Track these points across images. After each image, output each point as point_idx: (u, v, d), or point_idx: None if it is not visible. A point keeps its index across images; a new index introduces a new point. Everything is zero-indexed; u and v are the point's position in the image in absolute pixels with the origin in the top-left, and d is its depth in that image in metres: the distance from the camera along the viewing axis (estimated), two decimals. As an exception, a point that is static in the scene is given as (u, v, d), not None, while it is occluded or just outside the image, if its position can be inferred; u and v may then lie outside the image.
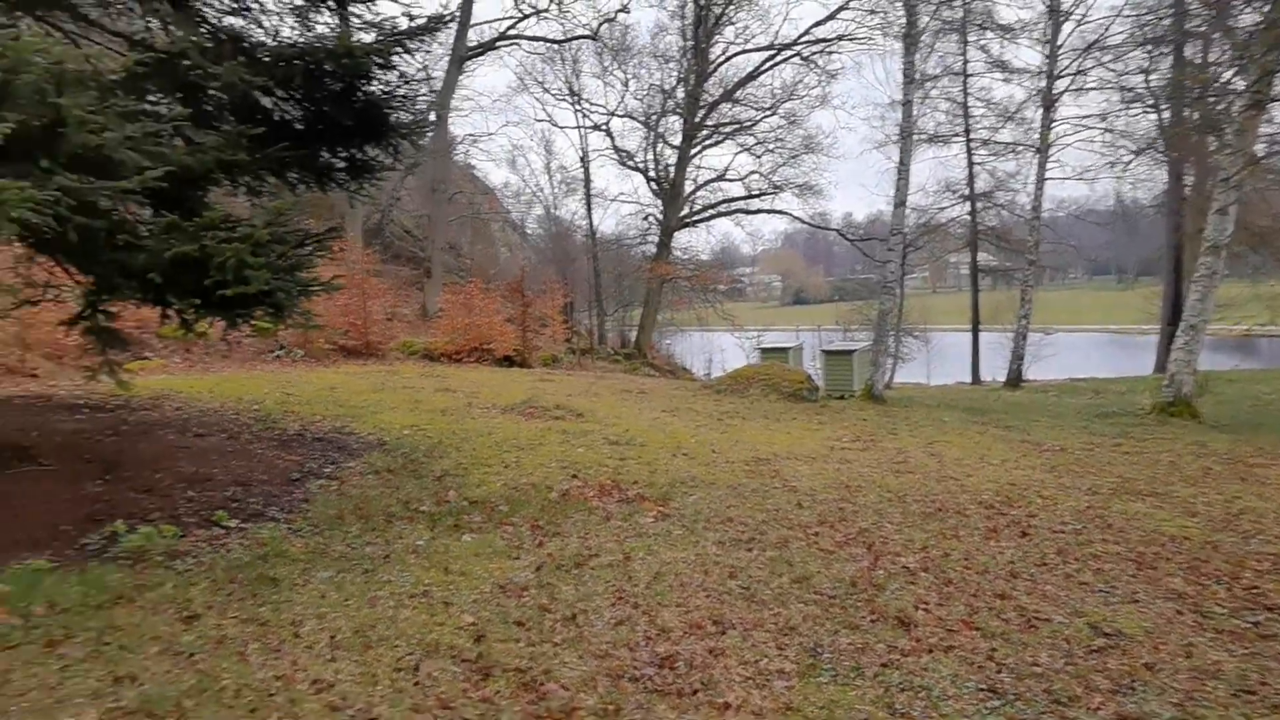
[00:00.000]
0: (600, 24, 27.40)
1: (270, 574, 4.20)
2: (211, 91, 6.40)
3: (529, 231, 37.25)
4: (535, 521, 5.49)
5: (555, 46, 28.07)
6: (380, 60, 6.58)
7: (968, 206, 26.32)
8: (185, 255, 4.88)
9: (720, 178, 29.31)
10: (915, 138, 16.11)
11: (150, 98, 6.13)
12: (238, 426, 7.81)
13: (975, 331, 26.74)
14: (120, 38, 7.18)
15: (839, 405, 13.36)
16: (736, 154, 35.53)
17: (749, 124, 28.63)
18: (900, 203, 14.29)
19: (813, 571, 4.69)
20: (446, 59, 23.37)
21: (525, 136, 65.66)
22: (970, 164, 25.71)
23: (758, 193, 29.15)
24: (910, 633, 3.95)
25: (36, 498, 5.19)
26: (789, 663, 3.55)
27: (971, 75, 24.77)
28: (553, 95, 30.22)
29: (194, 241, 5.02)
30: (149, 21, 7.21)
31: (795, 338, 23.63)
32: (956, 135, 25.72)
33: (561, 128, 45.86)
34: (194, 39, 6.27)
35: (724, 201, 29.75)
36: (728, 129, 28.82)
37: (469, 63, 25.46)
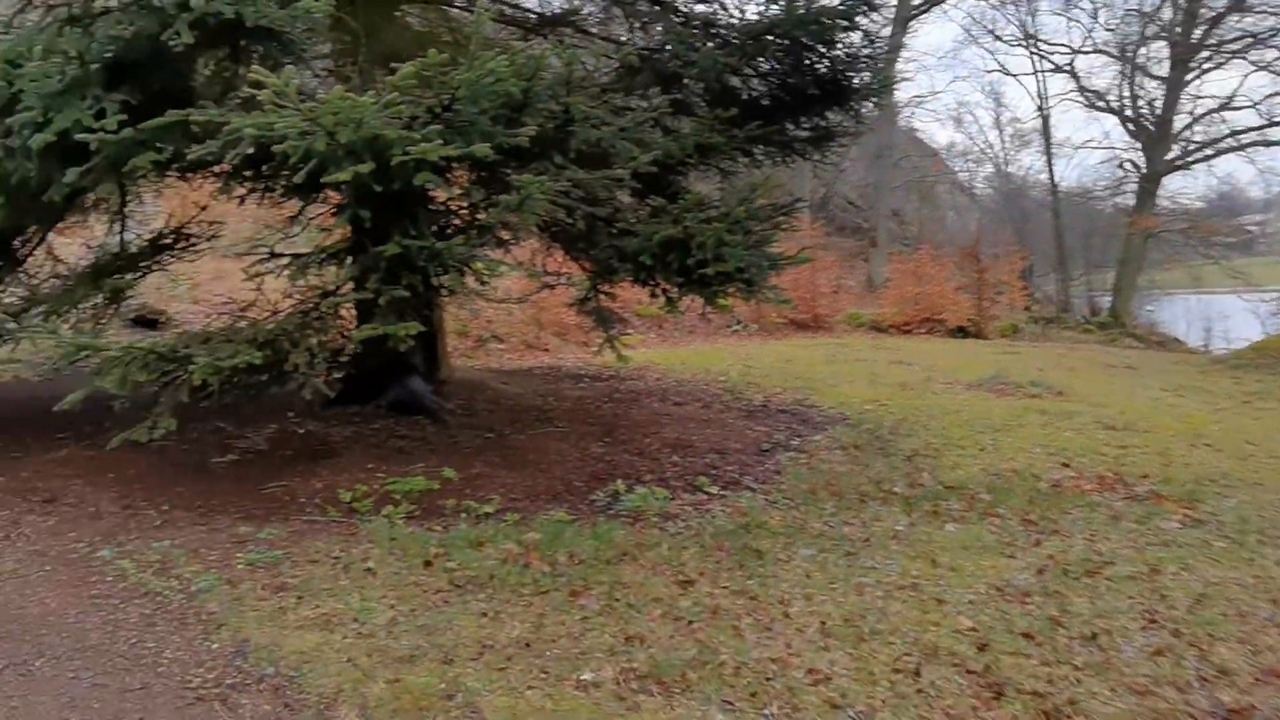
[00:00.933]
0: (1067, -49, 24.12)
1: (754, 545, 4.23)
2: (687, 80, 6.74)
3: (977, 192, 34.60)
4: (1025, 515, 4.86)
5: (1009, -12, 25.38)
6: (845, 21, 6.35)
7: None
8: (671, 237, 5.14)
9: (1225, 106, 24.00)
10: None
11: (635, 92, 6.64)
12: (709, 396, 8.26)
13: None
14: (608, 41, 7.92)
15: None
16: (1247, 75, 28.65)
17: (1268, 35, 22.96)
18: None
19: None
20: (890, 23, 22.40)
21: (972, 91, 60.99)
22: None
23: (1280, 119, 23.32)
24: None
25: (553, 455, 5.94)
26: None
27: None
28: (1005, 42, 27.38)
29: (677, 224, 5.27)
30: (632, 23, 7.84)
31: (1337, 299, 18.63)
32: None
33: (1014, 75, 41.39)
34: (673, 33, 6.66)
35: (1231, 135, 24.34)
36: (1236, 45, 23.43)
37: (912, 22, 24.14)
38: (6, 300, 5.48)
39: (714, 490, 5.23)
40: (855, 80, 6.99)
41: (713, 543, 4.26)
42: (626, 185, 5.21)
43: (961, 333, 17.41)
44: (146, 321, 9.52)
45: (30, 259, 5.82)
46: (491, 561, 3.87)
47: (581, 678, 2.87)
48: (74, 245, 8.43)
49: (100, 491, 4.81)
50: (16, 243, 5.62)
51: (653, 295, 5.88)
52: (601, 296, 6.08)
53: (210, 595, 3.56)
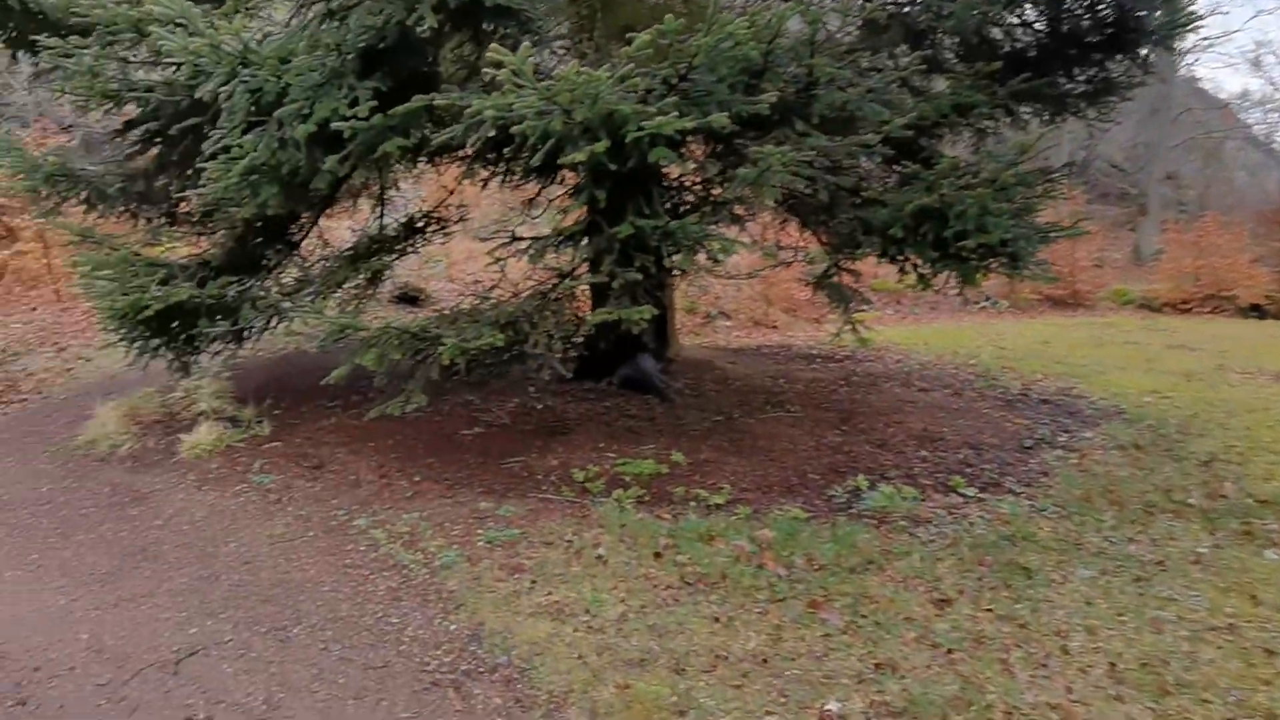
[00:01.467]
0: None
1: (1020, 561, 3.71)
2: (939, 35, 6.10)
3: (1278, 147, 29.68)
4: (1378, 544, 3.94)
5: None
6: (1138, -48, 5.44)
7: None
8: (926, 207, 4.63)
9: None
10: None
11: (881, 51, 6.11)
12: (958, 382, 7.57)
13: None
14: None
15: None
16: None
17: None
18: None
19: None
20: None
21: (1277, 27, 52.35)
22: None
23: None
24: None
25: (785, 442, 5.63)
26: None
27: None
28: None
29: (932, 192, 4.75)
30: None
31: None
32: None
33: (1339, 4, 34.60)
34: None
35: None
36: None
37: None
38: (284, 281, 6.00)
39: (970, 492, 4.69)
40: (1146, 20, 6.01)
41: (971, 555, 3.78)
42: (877, 152, 4.75)
43: (1256, 312, 15.05)
44: (408, 298, 10.24)
45: (304, 243, 6.34)
46: (723, 559, 3.66)
47: (826, 708, 2.58)
48: (343, 229, 9.22)
49: (360, 460, 5.14)
50: (293, 229, 6.13)
51: (901, 271, 5.37)
52: (843, 272, 5.66)
53: (451, 572, 3.63)
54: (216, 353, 6.02)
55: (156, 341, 5.50)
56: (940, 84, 6.25)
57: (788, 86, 4.61)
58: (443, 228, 6.82)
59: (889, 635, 3.05)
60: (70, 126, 11.21)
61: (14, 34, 5.80)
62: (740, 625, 3.11)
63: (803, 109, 4.63)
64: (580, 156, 3.73)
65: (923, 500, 4.55)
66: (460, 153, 4.92)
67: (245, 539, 4.02)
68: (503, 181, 5.57)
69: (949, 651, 2.94)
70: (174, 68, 4.37)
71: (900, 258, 5.17)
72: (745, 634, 3.04)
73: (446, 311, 5.25)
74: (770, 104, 4.24)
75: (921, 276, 5.27)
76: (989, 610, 3.26)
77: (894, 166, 5.70)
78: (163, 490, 4.70)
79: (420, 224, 6.56)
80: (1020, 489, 4.80)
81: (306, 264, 6.14)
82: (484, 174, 5.47)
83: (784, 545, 3.82)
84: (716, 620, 3.14)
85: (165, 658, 2.95)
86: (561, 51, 5.83)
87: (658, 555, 3.74)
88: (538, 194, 5.52)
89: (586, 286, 5.97)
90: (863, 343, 5.54)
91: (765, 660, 2.87)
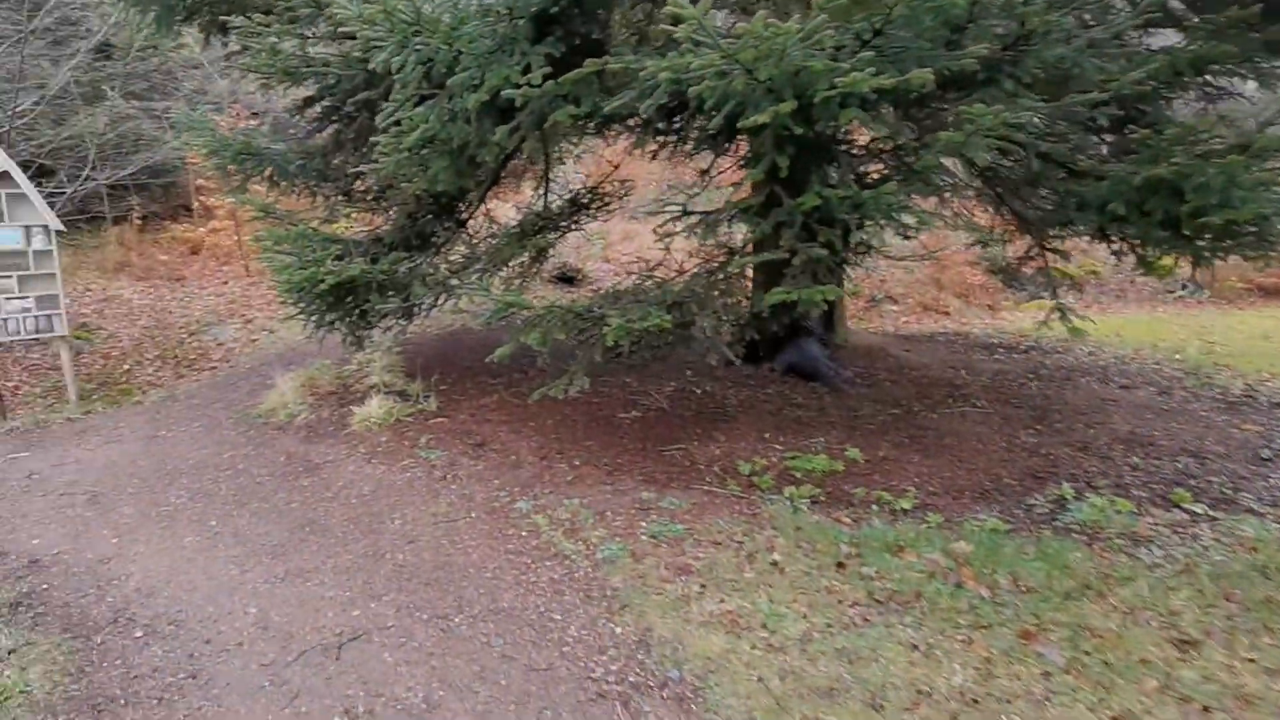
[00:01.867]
0: None
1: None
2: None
3: None
4: None
5: None
6: None
7: None
8: (1156, 178, 3.99)
9: None
10: None
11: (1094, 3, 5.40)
12: (1164, 379, 6.72)
13: None
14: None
15: None
16: None
17: None
18: None
19: None
20: None
21: None
22: None
23: None
24: None
25: (974, 441, 5.11)
26: None
27: None
28: None
29: (1161, 161, 4.10)
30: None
31: None
32: None
33: None
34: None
35: None
36: None
37: None
38: (452, 258, 6.00)
39: (1198, 509, 4.04)
40: None
41: (1214, 587, 3.20)
42: (1103, 114, 4.14)
43: None
44: (566, 278, 10.23)
45: (471, 221, 6.32)
46: (916, 574, 3.26)
47: (1060, 769, 2.18)
48: (508, 209, 9.26)
49: (521, 440, 5.04)
50: (461, 206, 6.11)
51: (1117, 254, 4.72)
52: (1046, 254, 5.04)
53: (615, 568, 3.42)
54: (388, 328, 6.11)
55: (331, 315, 5.60)
56: (1155, 41, 5.47)
57: (994, 42, 4.09)
58: (606, 204, 6.65)
59: (1123, 680, 2.58)
60: (258, 113, 11.85)
61: (208, 18, 6.05)
62: (942, 655, 2.72)
63: (1012, 66, 4.09)
64: (764, 118, 3.38)
65: (1140, 515, 3.96)
66: (629, 122, 4.68)
67: (410, 516, 3.97)
68: (673, 152, 5.29)
69: (1205, 709, 2.44)
70: (349, 40, 4.35)
71: (1119, 238, 4.53)
72: (949, 666, 2.65)
73: (605, 291, 5.05)
74: (977, 59, 3.75)
75: (1142, 259, 4.59)
76: (1250, 660, 2.71)
77: (1103, 136, 5.02)
78: (334, 461, 4.76)
79: (585, 200, 6.41)
80: (1264, 509, 4.09)
81: (474, 241, 6.11)
82: (653, 145, 5.21)
83: (984, 561, 3.37)
84: (914, 648, 2.76)
85: (328, 640, 2.88)
86: (738, 13, 5.48)
87: (840, 565, 3.38)
88: (711, 164, 5.20)
89: (750, 267, 5.64)
90: (1075, 333, 4.89)
91: (975, 700, 2.48)
